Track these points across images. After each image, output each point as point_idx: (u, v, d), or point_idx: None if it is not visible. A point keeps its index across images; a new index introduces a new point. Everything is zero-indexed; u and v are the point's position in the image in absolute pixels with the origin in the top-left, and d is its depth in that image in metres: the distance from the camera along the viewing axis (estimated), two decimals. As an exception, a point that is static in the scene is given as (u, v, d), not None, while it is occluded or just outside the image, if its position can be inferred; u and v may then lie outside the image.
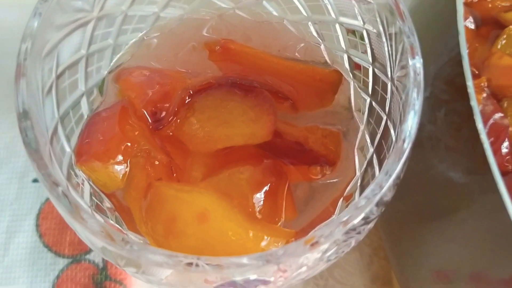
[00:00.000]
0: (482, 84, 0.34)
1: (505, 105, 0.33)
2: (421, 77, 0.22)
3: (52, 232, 0.41)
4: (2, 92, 0.44)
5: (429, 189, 0.30)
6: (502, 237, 0.26)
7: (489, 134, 0.31)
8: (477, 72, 0.35)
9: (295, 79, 0.29)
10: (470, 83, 0.21)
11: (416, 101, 0.22)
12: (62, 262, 0.39)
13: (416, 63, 0.23)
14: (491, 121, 0.31)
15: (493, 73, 0.34)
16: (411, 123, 0.21)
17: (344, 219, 0.20)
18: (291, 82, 0.29)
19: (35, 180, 0.42)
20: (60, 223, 0.42)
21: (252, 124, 0.27)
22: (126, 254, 0.21)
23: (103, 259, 0.41)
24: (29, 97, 0.22)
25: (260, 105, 0.27)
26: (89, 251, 0.41)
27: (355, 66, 0.31)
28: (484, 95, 0.32)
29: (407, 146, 0.21)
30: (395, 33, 0.24)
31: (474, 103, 0.21)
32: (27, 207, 0.41)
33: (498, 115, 0.31)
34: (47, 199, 0.42)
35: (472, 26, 0.38)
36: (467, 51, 0.22)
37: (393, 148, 0.23)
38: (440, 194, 0.29)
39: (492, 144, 0.30)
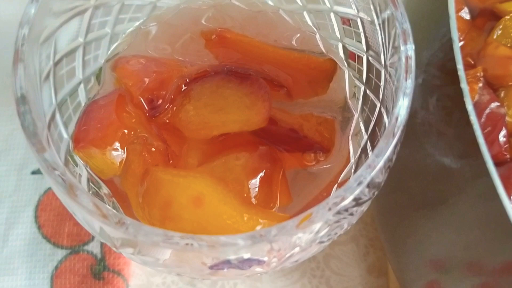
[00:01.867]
0: (478, 74, 0.34)
1: (502, 94, 0.33)
2: (412, 61, 0.22)
3: (51, 224, 0.41)
4: (1, 85, 0.44)
5: (422, 177, 0.30)
6: (495, 223, 0.26)
7: (485, 124, 0.31)
8: (473, 62, 0.36)
9: (291, 67, 0.29)
10: (460, 66, 0.21)
11: (407, 84, 0.22)
12: (60, 253, 0.40)
13: (408, 49, 0.23)
14: (487, 110, 0.31)
15: (489, 63, 0.35)
16: (402, 105, 0.22)
17: (336, 199, 0.20)
18: (287, 71, 0.29)
19: (34, 172, 0.42)
20: (59, 215, 0.42)
21: (247, 110, 0.27)
22: (123, 234, 0.21)
23: (101, 250, 0.41)
24: (27, 82, 0.22)
25: (255, 92, 0.27)
26: (87, 242, 0.41)
27: (350, 56, 0.31)
28: (480, 84, 0.33)
29: (398, 128, 0.22)
30: (388, 20, 0.25)
31: (464, 85, 0.21)
32: (26, 199, 0.41)
33: (494, 104, 0.31)
34: (46, 191, 0.42)
35: (467, 17, 0.38)
36: (457, 34, 0.22)
37: (384, 130, 0.23)
38: (433, 181, 0.29)
39: (489, 133, 0.31)
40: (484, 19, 0.38)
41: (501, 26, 0.37)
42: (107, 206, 0.21)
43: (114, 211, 0.21)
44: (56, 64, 0.26)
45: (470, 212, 0.28)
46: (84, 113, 0.28)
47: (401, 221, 0.35)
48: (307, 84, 0.29)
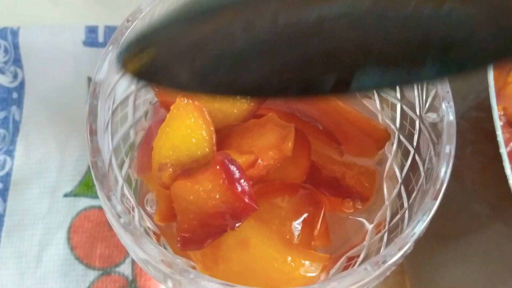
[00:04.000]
0: (499, 112, 0.36)
1: (521, 133, 0.35)
2: (453, 124, 0.24)
3: (83, 245, 0.42)
4: (34, 110, 0.45)
5: (452, 216, 0.32)
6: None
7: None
8: (493, 101, 0.37)
9: (350, 126, 0.31)
10: (499, 132, 0.23)
11: (451, 147, 0.24)
12: (92, 274, 0.41)
13: (449, 111, 0.25)
14: (508, 148, 0.33)
15: (509, 102, 0.36)
16: (446, 167, 0.24)
17: (387, 256, 0.22)
18: (345, 128, 0.31)
19: (66, 195, 0.43)
20: (91, 237, 0.43)
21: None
22: (185, 280, 0.23)
23: (132, 272, 0.42)
24: (99, 134, 0.23)
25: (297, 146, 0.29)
26: (118, 264, 0.42)
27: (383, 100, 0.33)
28: (501, 123, 0.35)
29: (443, 188, 0.23)
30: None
31: (503, 150, 0.23)
32: (58, 221, 0.42)
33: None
34: (78, 213, 0.43)
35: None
36: (496, 102, 0.24)
37: (426, 186, 0.25)
38: (462, 221, 0.31)
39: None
40: (505, 58, 0.40)
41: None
42: (172, 255, 0.23)
43: (180, 260, 0.23)
44: (113, 113, 0.28)
45: (495, 251, 0.30)
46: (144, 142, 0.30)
47: (427, 252, 0.37)
48: (358, 146, 0.30)
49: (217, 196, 0.26)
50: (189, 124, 0.28)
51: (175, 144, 0.28)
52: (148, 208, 0.30)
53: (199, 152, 0.29)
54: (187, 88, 0.20)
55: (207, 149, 0.29)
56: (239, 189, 0.25)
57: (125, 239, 0.24)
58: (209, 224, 0.26)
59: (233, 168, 0.25)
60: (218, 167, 0.26)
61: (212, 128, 0.28)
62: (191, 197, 0.26)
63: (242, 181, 0.25)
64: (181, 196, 0.26)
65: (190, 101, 0.28)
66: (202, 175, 0.26)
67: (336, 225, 0.30)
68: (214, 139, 0.28)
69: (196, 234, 0.27)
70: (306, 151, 0.28)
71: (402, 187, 0.30)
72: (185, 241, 0.27)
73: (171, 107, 0.28)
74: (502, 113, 0.37)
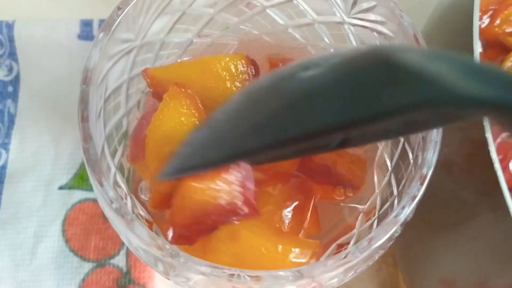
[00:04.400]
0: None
1: (511, 124, 0.36)
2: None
3: (78, 238, 0.42)
4: (29, 103, 0.45)
5: (441, 204, 0.32)
6: (506, 250, 0.29)
7: (497, 152, 0.33)
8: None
9: None
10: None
11: (437, 132, 0.24)
12: (87, 266, 0.41)
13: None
14: (498, 139, 0.33)
15: (499, 94, 0.37)
16: (433, 153, 0.24)
17: (373, 239, 0.22)
18: None
19: (61, 188, 0.43)
20: (85, 229, 0.43)
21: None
22: (176, 264, 0.24)
23: (127, 264, 0.42)
24: (90, 122, 0.24)
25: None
26: (113, 256, 0.42)
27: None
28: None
29: (429, 173, 0.24)
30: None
31: (489, 135, 0.23)
32: (53, 213, 0.42)
33: (505, 134, 0.34)
34: (73, 206, 0.43)
35: (480, 49, 0.40)
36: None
37: (414, 172, 0.25)
38: (451, 209, 0.31)
39: (500, 161, 0.33)
40: (496, 50, 0.40)
41: (511, 59, 0.39)
42: (162, 239, 0.23)
43: (169, 245, 0.23)
44: (105, 101, 0.28)
45: (485, 239, 0.30)
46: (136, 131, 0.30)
47: (418, 242, 0.37)
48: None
49: (226, 198, 0.26)
50: (182, 112, 0.28)
51: (168, 132, 0.28)
52: (142, 196, 0.31)
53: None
54: None
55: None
56: (250, 195, 0.26)
57: (117, 224, 0.25)
58: (204, 222, 0.27)
59: (247, 173, 0.26)
60: (233, 170, 0.26)
61: (204, 116, 0.28)
62: (196, 196, 0.26)
63: (252, 186, 0.26)
64: (185, 194, 0.27)
65: (183, 89, 0.28)
66: (215, 175, 0.26)
67: (326, 212, 0.31)
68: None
69: (188, 230, 0.27)
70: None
71: (392, 175, 0.30)
72: (177, 236, 0.27)
73: (164, 95, 0.28)
74: (492, 105, 0.37)
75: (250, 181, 0.27)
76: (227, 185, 0.26)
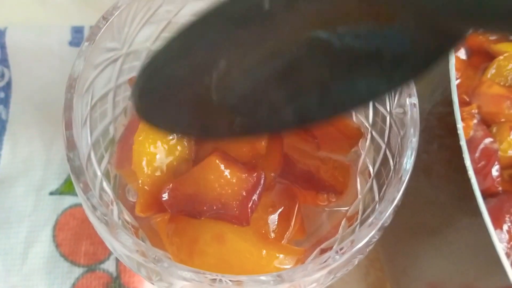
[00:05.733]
0: (473, 111, 0.37)
1: (494, 130, 0.36)
2: (417, 118, 0.25)
3: (68, 243, 0.42)
4: (20, 109, 0.46)
5: (421, 209, 0.33)
6: (485, 254, 0.29)
7: (480, 158, 0.33)
8: (468, 100, 0.38)
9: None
10: (460, 125, 0.24)
11: (413, 139, 0.25)
12: (77, 271, 0.41)
13: (414, 106, 0.26)
14: (481, 145, 0.34)
15: (483, 101, 0.37)
16: (409, 158, 0.25)
17: (352, 244, 0.23)
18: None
19: (51, 193, 0.44)
20: (76, 234, 0.43)
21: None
22: (159, 269, 0.24)
23: (116, 269, 0.43)
24: (75, 129, 0.24)
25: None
26: (103, 261, 0.43)
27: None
28: (475, 121, 0.35)
29: (406, 178, 0.24)
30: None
31: (463, 143, 0.24)
32: (44, 219, 0.42)
33: (488, 140, 0.34)
34: (63, 211, 0.43)
35: (464, 57, 0.41)
36: (457, 98, 0.25)
37: (393, 178, 0.26)
38: (431, 214, 0.32)
39: (483, 167, 0.33)
40: (479, 58, 0.41)
41: (495, 66, 0.40)
42: (145, 244, 0.24)
43: (153, 251, 0.24)
44: (92, 108, 0.28)
45: (463, 243, 0.31)
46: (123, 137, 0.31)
47: (402, 248, 0.38)
48: (332, 143, 0.31)
49: (229, 192, 0.27)
50: None
51: (155, 138, 0.29)
52: (130, 198, 0.31)
53: (178, 147, 0.30)
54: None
55: (185, 144, 0.30)
56: (251, 203, 0.26)
57: (101, 230, 0.25)
58: (192, 203, 0.27)
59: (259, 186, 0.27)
60: (256, 174, 0.27)
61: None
62: (212, 176, 0.27)
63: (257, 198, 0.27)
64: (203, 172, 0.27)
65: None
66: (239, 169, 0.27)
67: (310, 218, 0.31)
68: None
69: (176, 200, 0.28)
70: (278, 145, 0.29)
71: (374, 181, 0.31)
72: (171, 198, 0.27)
73: None
74: (476, 111, 0.38)
75: (258, 193, 0.27)
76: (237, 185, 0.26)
